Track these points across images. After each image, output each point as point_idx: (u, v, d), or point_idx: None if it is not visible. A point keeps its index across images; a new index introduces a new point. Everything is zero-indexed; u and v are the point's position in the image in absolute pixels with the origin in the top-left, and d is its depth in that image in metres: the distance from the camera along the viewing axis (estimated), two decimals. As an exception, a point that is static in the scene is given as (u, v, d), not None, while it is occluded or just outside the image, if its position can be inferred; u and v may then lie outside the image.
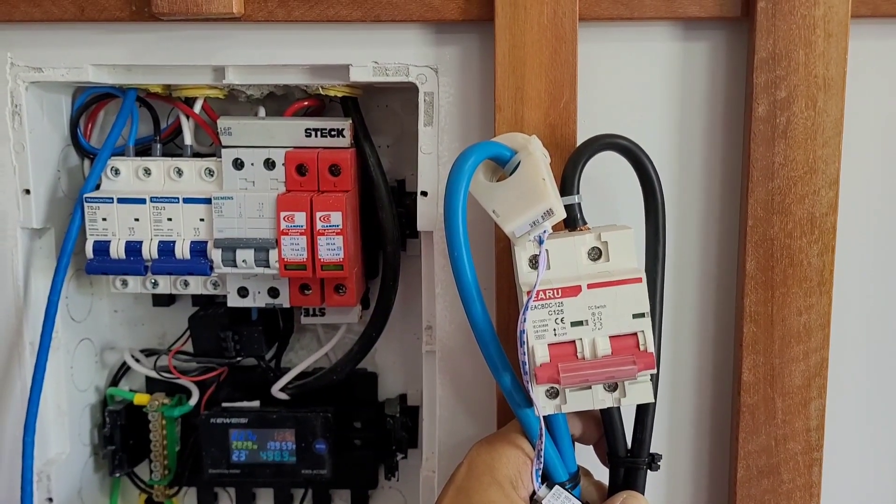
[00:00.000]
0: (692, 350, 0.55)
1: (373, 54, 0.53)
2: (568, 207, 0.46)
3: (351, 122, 0.58)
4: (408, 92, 0.55)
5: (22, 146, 0.55)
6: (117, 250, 0.55)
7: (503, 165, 0.46)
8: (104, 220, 0.55)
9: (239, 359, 0.62)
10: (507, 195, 0.44)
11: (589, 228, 0.46)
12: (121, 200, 0.55)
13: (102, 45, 0.54)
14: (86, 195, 0.56)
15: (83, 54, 0.54)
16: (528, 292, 0.44)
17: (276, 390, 0.62)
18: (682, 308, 0.55)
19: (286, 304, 0.58)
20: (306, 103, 0.59)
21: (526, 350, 0.43)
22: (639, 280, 0.44)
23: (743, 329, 0.52)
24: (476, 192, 0.45)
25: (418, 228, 0.55)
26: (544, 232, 0.44)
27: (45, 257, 0.58)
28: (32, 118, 0.55)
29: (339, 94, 0.57)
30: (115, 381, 0.65)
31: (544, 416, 0.45)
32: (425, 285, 0.57)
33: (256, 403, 0.63)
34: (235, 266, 0.55)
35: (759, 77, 0.49)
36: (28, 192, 0.56)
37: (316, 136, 0.57)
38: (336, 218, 0.54)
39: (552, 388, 0.45)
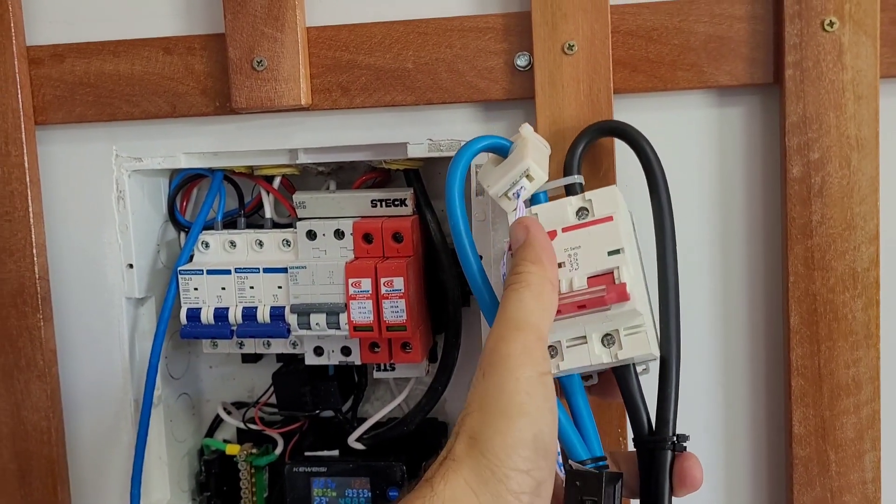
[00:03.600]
0: (745, 403, 0.57)
1: (427, 132, 0.58)
2: (569, 188, 0.50)
3: (412, 191, 0.63)
4: (466, 161, 0.59)
5: (126, 226, 0.63)
6: (207, 316, 0.62)
7: (506, 156, 0.50)
8: (196, 289, 0.62)
9: (318, 411, 0.67)
10: (498, 170, 0.48)
11: None
12: (210, 272, 0.62)
13: (192, 136, 0.61)
14: (179, 268, 0.62)
15: (176, 144, 0.61)
16: (508, 242, 0.46)
17: (352, 440, 0.67)
18: (733, 362, 0.57)
19: (358, 362, 0.63)
20: (372, 175, 0.65)
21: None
22: (610, 219, 0.45)
23: (791, 383, 0.53)
24: (480, 178, 0.50)
25: (475, 289, 0.59)
26: (521, 188, 0.47)
27: (148, 323, 0.66)
28: (134, 200, 0.63)
29: (401, 167, 0.62)
30: (209, 432, 0.72)
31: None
32: (485, 343, 0.60)
33: (336, 452, 0.68)
34: (310, 329, 0.60)
35: (791, 140, 0.51)
36: (131, 266, 0.63)
37: (381, 205, 0.62)
38: (398, 283, 0.59)
39: (550, 346, 0.45)
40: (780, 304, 0.55)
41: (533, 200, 0.48)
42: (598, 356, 0.44)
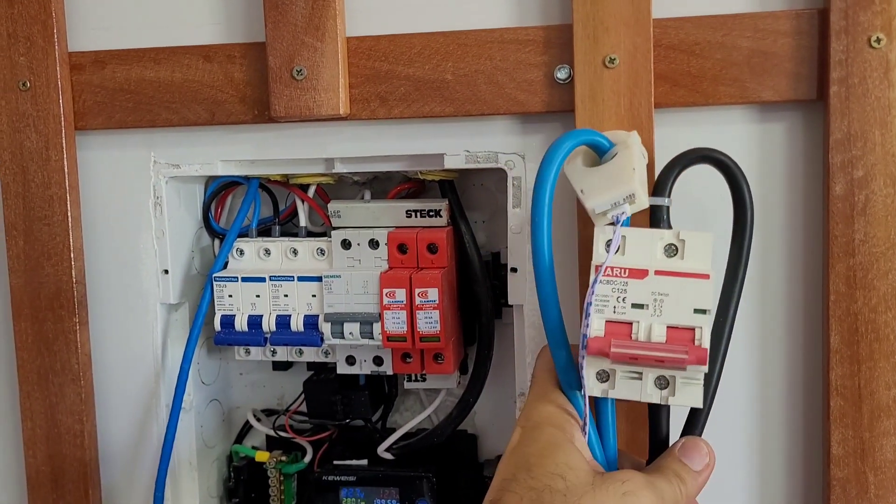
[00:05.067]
0: (782, 422, 0.56)
1: (465, 144, 0.58)
2: (656, 208, 0.48)
3: (447, 202, 0.62)
4: (501, 172, 0.59)
5: (162, 232, 0.63)
6: (241, 323, 0.62)
7: (601, 156, 0.48)
8: (230, 296, 0.62)
9: (348, 420, 0.67)
10: (597, 178, 0.47)
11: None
12: (244, 279, 0.62)
13: (229, 144, 0.61)
14: (214, 275, 0.63)
15: (213, 152, 0.61)
16: (597, 267, 0.45)
17: (381, 450, 0.67)
18: (770, 381, 0.56)
19: (390, 372, 0.63)
20: (407, 186, 0.65)
21: (585, 322, 0.44)
22: (706, 276, 0.44)
23: (830, 403, 0.52)
24: (570, 174, 0.48)
25: (509, 302, 0.59)
26: (622, 213, 0.45)
27: (181, 328, 0.66)
28: (171, 207, 0.63)
29: (437, 178, 0.62)
30: (239, 439, 0.72)
31: (592, 398, 0.46)
32: (517, 355, 0.60)
33: (364, 462, 0.68)
34: (343, 338, 0.60)
35: (834, 157, 0.51)
36: (167, 271, 0.63)
37: (416, 216, 0.62)
38: (433, 294, 0.59)
39: (603, 371, 0.45)
40: (820, 322, 0.54)
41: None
42: (648, 395, 0.45)
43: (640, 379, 0.45)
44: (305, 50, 0.56)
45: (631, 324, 0.45)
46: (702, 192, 0.52)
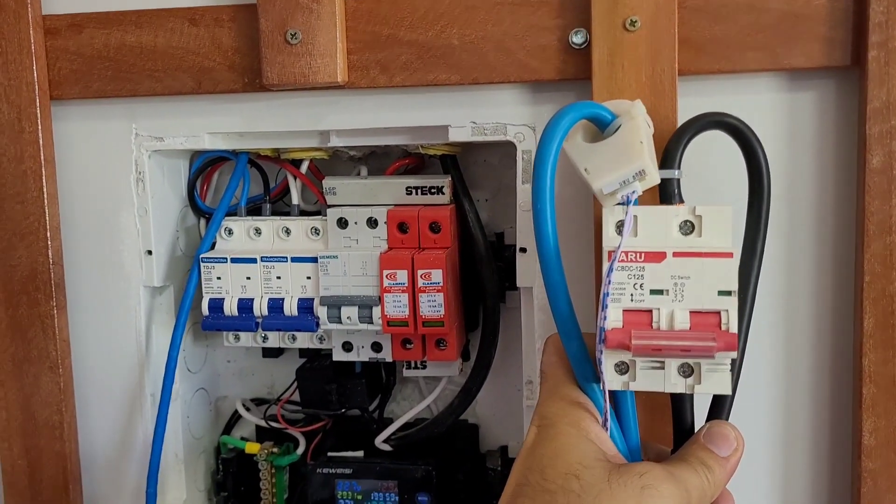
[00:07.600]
0: (807, 412, 0.53)
1: (471, 115, 0.54)
2: (666, 182, 0.44)
3: (450, 179, 0.59)
4: (505, 147, 0.55)
5: (145, 210, 0.59)
6: (230, 307, 0.58)
7: (603, 129, 0.45)
8: (219, 278, 0.58)
9: (344, 410, 0.63)
10: (602, 155, 0.42)
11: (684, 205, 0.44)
12: (234, 260, 0.58)
13: (217, 115, 0.57)
14: (202, 255, 0.59)
15: (200, 123, 0.57)
16: (611, 253, 0.41)
17: (378, 442, 0.63)
18: (796, 367, 0.53)
19: (389, 359, 0.60)
20: (406, 162, 0.61)
21: (602, 314, 0.41)
22: (729, 255, 0.41)
23: (862, 390, 0.49)
24: (571, 151, 0.44)
25: (518, 284, 0.56)
26: (633, 192, 0.42)
27: (165, 313, 0.62)
28: (154, 183, 0.59)
29: (439, 153, 0.58)
30: (227, 430, 0.68)
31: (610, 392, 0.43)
32: (525, 340, 0.57)
33: (361, 454, 0.65)
34: (340, 322, 0.56)
35: (872, 128, 0.47)
36: (150, 252, 0.59)
37: (416, 193, 0.59)
38: (437, 275, 0.55)
39: (622, 362, 0.42)
40: (851, 305, 0.51)
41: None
42: (672, 384, 0.42)
43: (663, 368, 0.42)
44: (300, 12, 0.52)
45: (651, 311, 0.41)
46: (708, 161, 0.49)
